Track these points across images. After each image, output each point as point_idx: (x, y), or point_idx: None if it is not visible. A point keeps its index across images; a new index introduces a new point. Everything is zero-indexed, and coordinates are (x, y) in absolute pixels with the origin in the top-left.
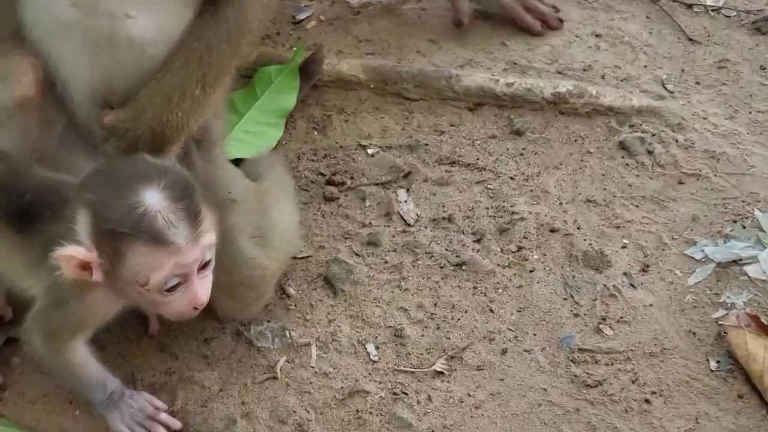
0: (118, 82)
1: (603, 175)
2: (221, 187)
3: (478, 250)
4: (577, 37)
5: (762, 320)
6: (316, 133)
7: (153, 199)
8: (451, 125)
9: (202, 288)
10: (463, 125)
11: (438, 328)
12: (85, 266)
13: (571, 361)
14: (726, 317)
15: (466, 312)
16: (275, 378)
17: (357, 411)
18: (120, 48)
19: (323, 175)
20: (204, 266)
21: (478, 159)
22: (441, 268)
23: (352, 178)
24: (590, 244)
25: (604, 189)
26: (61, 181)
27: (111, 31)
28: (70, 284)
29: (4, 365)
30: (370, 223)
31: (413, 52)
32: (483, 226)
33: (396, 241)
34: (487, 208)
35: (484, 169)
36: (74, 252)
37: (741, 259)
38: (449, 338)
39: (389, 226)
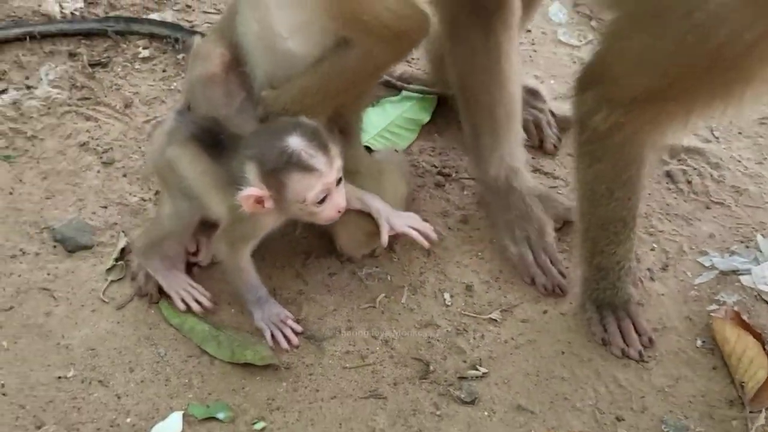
0: (278, 74)
1: (648, 194)
2: (352, 161)
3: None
4: None
5: (742, 317)
6: (437, 136)
7: (295, 142)
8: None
9: (341, 197)
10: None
11: (500, 288)
12: (259, 201)
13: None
14: (717, 311)
15: (523, 281)
16: (374, 307)
17: (428, 337)
18: (279, 54)
19: (436, 167)
20: (338, 181)
21: (554, 170)
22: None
23: (457, 172)
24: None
25: (647, 205)
26: (242, 134)
27: (274, 43)
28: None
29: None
30: (465, 207)
31: None
32: None
33: (481, 222)
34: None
35: (558, 179)
36: (251, 192)
37: (738, 270)
38: (506, 297)
39: (478, 211)
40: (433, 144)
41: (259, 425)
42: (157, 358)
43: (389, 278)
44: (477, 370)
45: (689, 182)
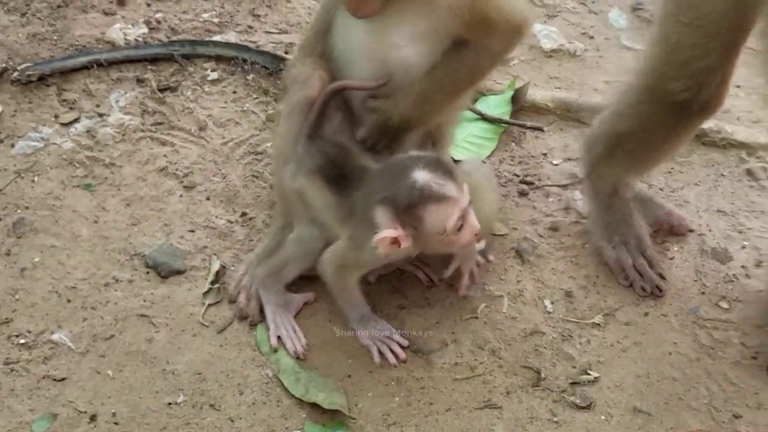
0: (391, 87)
1: (732, 193)
2: None
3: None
4: None
5: None
6: (514, 145)
7: (421, 176)
8: None
9: (474, 219)
10: None
11: (598, 293)
12: (395, 242)
13: (696, 325)
14: None
15: (620, 283)
16: (476, 317)
17: (535, 345)
18: (392, 63)
19: (518, 176)
20: (469, 205)
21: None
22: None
23: (539, 179)
24: (718, 243)
25: (732, 203)
26: (366, 167)
27: (388, 53)
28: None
29: None
30: (552, 214)
31: (591, 89)
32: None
33: (571, 228)
34: (639, 211)
35: (640, 182)
36: (388, 233)
37: None
38: (606, 300)
39: (567, 218)
40: (511, 153)
41: None
42: (266, 380)
43: (487, 288)
44: (588, 374)
45: None
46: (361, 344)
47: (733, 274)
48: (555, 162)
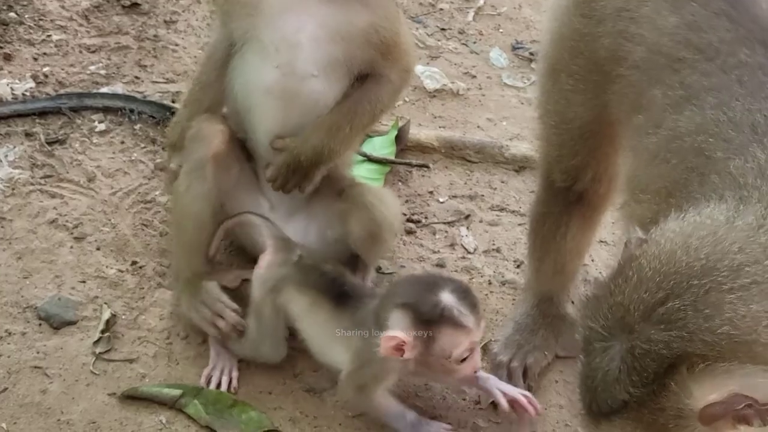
0: (295, 122)
1: (612, 223)
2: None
3: (517, 273)
4: None
5: None
6: (401, 184)
7: (448, 299)
8: (502, 182)
9: (478, 357)
10: (511, 183)
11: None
12: (399, 347)
13: None
14: None
15: (505, 316)
16: None
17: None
18: (302, 98)
19: (405, 215)
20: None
21: (520, 207)
22: (489, 284)
23: (426, 217)
24: (600, 272)
25: (613, 234)
26: (359, 284)
27: (299, 86)
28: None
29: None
30: (439, 251)
31: (474, 127)
32: (522, 256)
33: (458, 264)
34: (526, 244)
35: (525, 216)
36: (398, 335)
37: None
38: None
39: (453, 254)
40: (398, 192)
41: None
42: (160, 426)
43: None
44: None
45: None
46: None
47: None
48: (441, 200)
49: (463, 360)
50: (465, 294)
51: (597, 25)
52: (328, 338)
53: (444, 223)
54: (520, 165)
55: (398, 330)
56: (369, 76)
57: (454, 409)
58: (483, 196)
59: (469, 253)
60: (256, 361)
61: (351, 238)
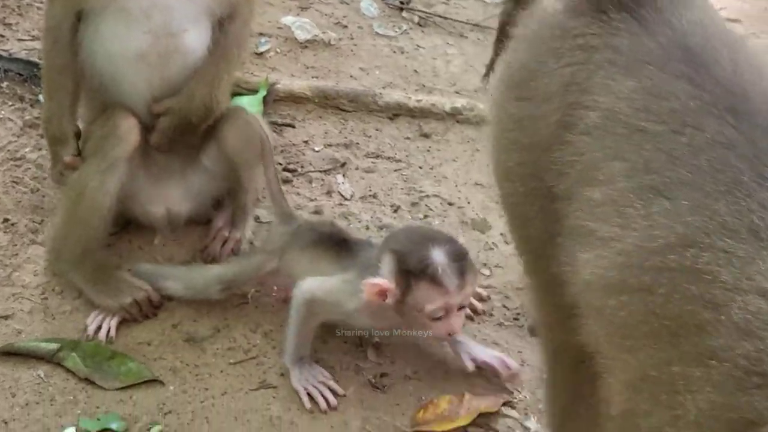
0: (172, 82)
1: (488, 166)
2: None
3: (394, 218)
4: (471, 66)
5: None
6: (276, 135)
7: (439, 257)
8: (376, 130)
9: (457, 321)
10: (385, 130)
11: None
12: (382, 293)
13: None
14: None
15: None
16: (246, 303)
17: None
18: (178, 57)
19: (281, 164)
20: (461, 307)
21: (395, 154)
22: (367, 229)
23: (302, 166)
24: (477, 214)
25: (489, 176)
26: (354, 236)
27: (174, 46)
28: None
29: None
30: (316, 198)
31: (347, 76)
32: (399, 201)
33: (335, 210)
34: (402, 189)
35: (400, 161)
36: (380, 282)
37: None
38: None
39: (330, 201)
40: (272, 143)
41: (156, 429)
42: (38, 380)
43: None
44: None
45: None
46: (293, 386)
47: (493, 242)
48: (316, 149)
49: (437, 319)
50: (458, 258)
51: (538, 105)
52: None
53: (320, 171)
54: (393, 113)
55: (385, 274)
56: (228, 17)
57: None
58: (358, 144)
59: (346, 199)
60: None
61: (227, 150)
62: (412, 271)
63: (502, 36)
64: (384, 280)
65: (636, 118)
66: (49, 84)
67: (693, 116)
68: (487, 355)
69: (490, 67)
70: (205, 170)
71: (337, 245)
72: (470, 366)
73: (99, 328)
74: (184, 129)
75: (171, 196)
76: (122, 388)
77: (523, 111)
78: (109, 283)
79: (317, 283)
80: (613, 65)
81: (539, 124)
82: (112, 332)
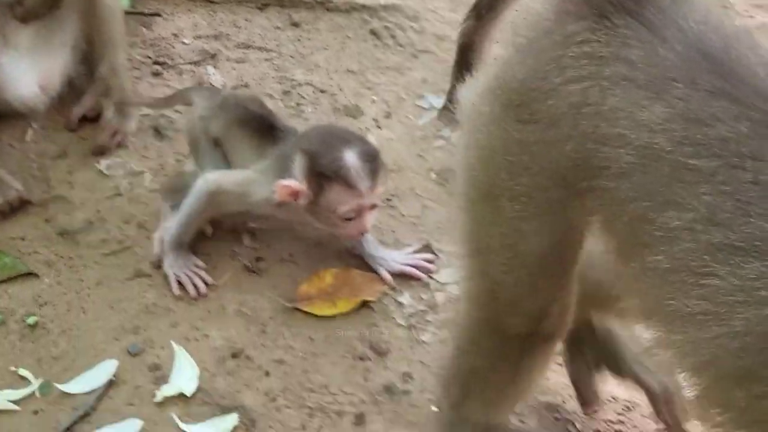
0: None
1: (359, 53)
2: None
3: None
4: None
5: None
6: (144, 29)
7: (350, 158)
8: (246, 20)
9: (368, 221)
10: (255, 20)
11: None
12: (294, 194)
13: None
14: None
15: None
16: (120, 195)
17: None
18: None
19: (150, 58)
20: (372, 207)
21: (266, 44)
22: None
23: (172, 59)
24: (349, 100)
25: (360, 63)
26: (288, 126)
27: None
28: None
29: None
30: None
31: None
32: (271, 90)
33: None
34: (274, 78)
35: (271, 51)
36: (291, 183)
37: None
38: None
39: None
40: (142, 38)
41: (32, 319)
42: None
43: (130, 166)
44: None
45: (393, 36)
46: (164, 271)
47: (366, 127)
48: (186, 41)
49: (349, 219)
50: (369, 158)
51: (546, 129)
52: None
53: (191, 63)
54: (263, 2)
55: (297, 175)
56: None
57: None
58: (228, 35)
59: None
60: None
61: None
62: (325, 173)
63: (464, 58)
64: (296, 181)
65: (681, 154)
66: None
67: (748, 143)
68: (402, 261)
69: (451, 93)
70: (68, 44)
71: (260, 128)
72: (388, 278)
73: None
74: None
75: (41, 72)
76: None
77: (528, 135)
78: None
79: (224, 176)
80: (631, 83)
81: (552, 152)
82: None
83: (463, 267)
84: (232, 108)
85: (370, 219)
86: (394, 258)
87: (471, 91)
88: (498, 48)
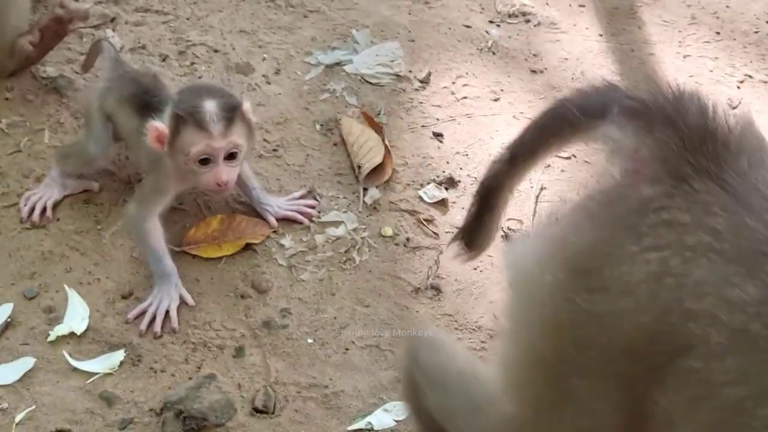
0: None
1: (252, 14)
2: None
3: (162, 66)
4: None
5: (369, 115)
6: None
7: (209, 105)
8: None
9: (225, 172)
10: None
11: None
12: (159, 137)
13: None
14: (345, 110)
15: None
16: (20, 151)
17: None
18: None
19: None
20: (231, 157)
21: (163, 7)
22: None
23: (72, 22)
24: (241, 59)
25: (252, 23)
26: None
27: None
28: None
29: None
30: (85, 53)
31: None
32: (167, 51)
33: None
34: (170, 39)
35: (168, 14)
36: (157, 125)
37: (341, 62)
38: None
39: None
40: (44, 2)
41: None
42: None
43: (28, 124)
44: None
45: None
46: (143, 303)
47: (256, 83)
48: (85, 6)
49: (205, 165)
50: (226, 107)
51: (619, 299)
52: (134, 145)
53: (90, 27)
54: None
55: (164, 120)
56: None
57: None
58: None
59: (116, 51)
60: (87, 169)
61: None
62: (180, 115)
63: (487, 201)
64: (161, 123)
65: None
66: None
67: None
68: (287, 207)
69: (468, 233)
70: None
71: (146, 106)
72: (273, 223)
73: (32, 210)
74: None
75: None
76: None
77: (597, 305)
78: None
79: (139, 206)
80: (718, 256)
81: (625, 323)
82: (48, 212)
83: None
84: (126, 84)
85: (228, 171)
86: (279, 204)
87: (523, 256)
88: (555, 207)
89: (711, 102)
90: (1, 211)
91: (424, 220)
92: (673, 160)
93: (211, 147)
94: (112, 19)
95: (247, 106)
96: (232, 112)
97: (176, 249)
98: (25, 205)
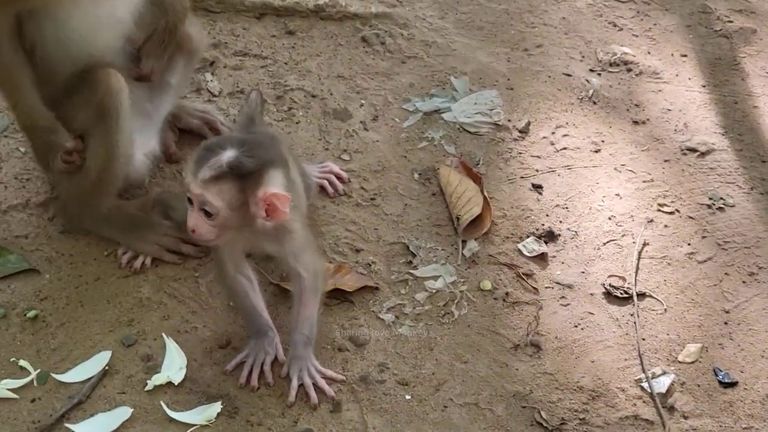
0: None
1: (350, 59)
2: None
3: (261, 111)
4: None
5: (467, 165)
6: None
7: (201, 150)
8: (244, 29)
9: (192, 219)
10: (252, 29)
11: None
12: None
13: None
14: (444, 159)
15: None
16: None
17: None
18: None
19: None
20: (204, 211)
21: (262, 52)
22: (234, 122)
23: None
24: (339, 104)
25: (350, 69)
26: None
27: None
28: None
29: None
30: (186, 96)
31: None
32: (265, 95)
33: None
34: (268, 84)
35: (267, 59)
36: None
37: (439, 110)
38: None
39: (200, 97)
40: None
41: (32, 313)
42: None
43: None
44: None
45: (383, 43)
46: (240, 354)
47: (353, 130)
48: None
49: (189, 202)
50: (228, 165)
51: None
52: None
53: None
54: (260, 12)
55: None
56: None
57: None
58: (226, 43)
59: (214, 96)
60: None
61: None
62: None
63: None
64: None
65: None
66: (10, 82)
67: None
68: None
69: None
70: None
71: None
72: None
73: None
74: (170, 38)
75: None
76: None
77: None
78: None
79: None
80: None
81: None
82: (147, 260)
83: None
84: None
85: (196, 222)
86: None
87: None
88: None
89: None
90: (101, 258)
91: (523, 274)
92: None
93: (187, 187)
94: (211, 63)
95: (268, 191)
96: (221, 167)
97: (273, 281)
98: (124, 253)
